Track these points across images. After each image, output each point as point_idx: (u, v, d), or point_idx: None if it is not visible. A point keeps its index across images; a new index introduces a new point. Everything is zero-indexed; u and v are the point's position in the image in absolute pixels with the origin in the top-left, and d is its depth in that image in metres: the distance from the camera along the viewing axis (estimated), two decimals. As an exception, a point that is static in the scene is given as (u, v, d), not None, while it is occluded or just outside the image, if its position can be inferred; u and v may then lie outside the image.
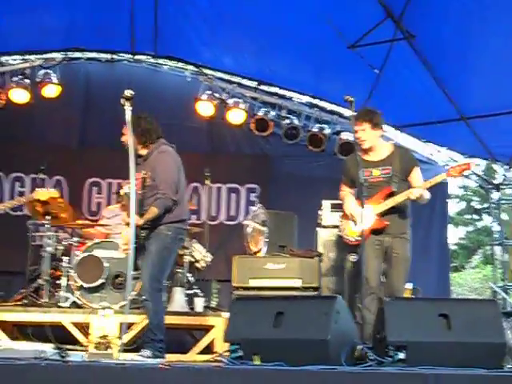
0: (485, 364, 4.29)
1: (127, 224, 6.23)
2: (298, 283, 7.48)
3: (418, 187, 6.12)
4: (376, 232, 6.15)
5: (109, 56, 10.44)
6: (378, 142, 6.32)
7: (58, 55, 10.11)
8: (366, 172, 6.10)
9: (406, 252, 6.21)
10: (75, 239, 8.09)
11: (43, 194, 7.02)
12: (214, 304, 8.46)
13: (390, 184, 6.19)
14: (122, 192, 6.27)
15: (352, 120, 6.10)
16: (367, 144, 6.23)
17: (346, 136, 10.12)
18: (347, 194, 6.45)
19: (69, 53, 10.15)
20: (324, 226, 8.00)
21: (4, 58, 9.97)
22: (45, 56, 10.09)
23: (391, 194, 6.17)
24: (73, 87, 10.18)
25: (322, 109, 10.51)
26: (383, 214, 6.18)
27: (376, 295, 5.97)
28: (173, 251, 6.27)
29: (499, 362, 4.57)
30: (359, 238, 6.05)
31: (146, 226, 6.06)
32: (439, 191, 9.84)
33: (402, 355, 4.56)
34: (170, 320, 6.96)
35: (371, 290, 5.98)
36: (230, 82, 10.39)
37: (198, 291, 8.32)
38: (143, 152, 6.25)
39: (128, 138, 5.60)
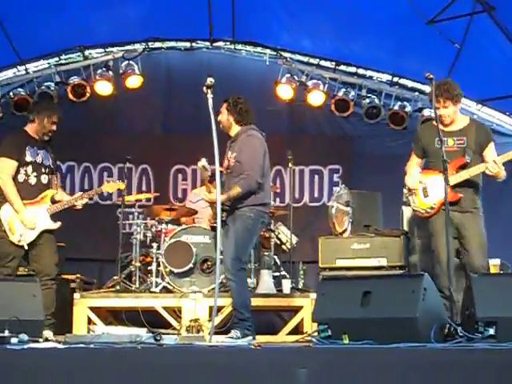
0: None
1: (209, 201, 6.40)
2: (382, 262, 7.47)
3: (494, 160, 5.88)
4: (450, 205, 5.80)
5: (188, 44, 10.58)
6: (456, 114, 6.19)
7: (138, 46, 10.30)
8: (439, 141, 5.89)
9: (479, 227, 6.02)
10: (163, 226, 8.24)
11: (110, 186, 7.20)
12: (301, 285, 8.52)
13: (463, 155, 6.01)
14: (199, 165, 6.40)
15: (432, 96, 6.01)
16: (449, 119, 6.11)
17: (428, 113, 10.01)
18: (412, 164, 6.32)
19: (149, 43, 10.32)
20: (409, 204, 7.93)
21: (88, 52, 10.24)
22: (126, 48, 10.32)
23: (464, 166, 5.98)
24: (154, 77, 10.37)
25: (403, 86, 10.41)
26: (456, 186, 5.95)
27: (451, 271, 5.59)
28: (254, 233, 6.36)
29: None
30: (430, 211, 5.97)
31: (227, 208, 6.17)
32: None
33: (491, 331, 4.53)
34: (258, 302, 7.08)
35: (443, 266, 5.80)
36: (309, 64, 10.39)
37: (284, 273, 8.40)
38: (233, 133, 6.39)
39: (212, 122, 5.70)
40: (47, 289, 6.38)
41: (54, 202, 6.72)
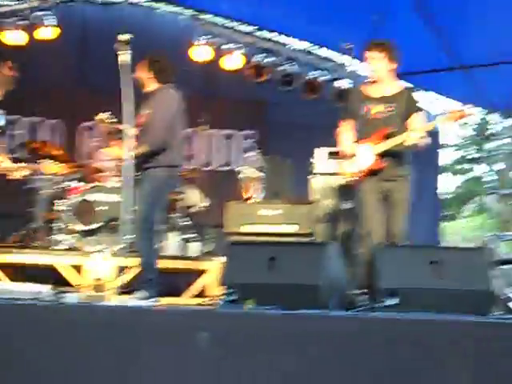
0: (473, 311, 4.39)
1: (116, 158, 6.34)
2: (291, 229, 7.49)
3: (417, 130, 5.84)
4: (374, 173, 5.92)
5: (106, -1, 10.37)
6: (389, 77, 6.04)
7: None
8: (368, 107, 5.94)
9: (406, 194, 5.99)
10: (71, 183, 8.09)
11: (49, 168, 7.06)
12: (208, 249, 8.52)
13: (390, 123, 5.92)
14: (97, 118, 6.32)
15: (368, 46, 5.90)
16: (379, 74, 5.97)
17: (343, 83, 10.09)
18: (344, 130, 6.15)
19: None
20: (316, 174, 7.96)
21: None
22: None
23: (390, 135, 5.89)
24: (70, 30, 10.08)
25: (319, 56, 10.46)
26: (383, 155, 5.91)
27: (373, 240, 5.73)
28: (163, 192, 6.32)
29: (486, 310, 4.64)
30: (354, 178, 5.98)
31: (138, 167, 6.10)
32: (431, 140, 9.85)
33: (394, 301, 4.62)
34: (164, 264, 7.03)
35: (368, 235, 5.80)
36: (227, 28, 10.33)
37: (193, 236, 8.37)
38: (150, 90, 6.29)
39: (124, 78, 5.60)
40: None
41: None
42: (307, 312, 4.09)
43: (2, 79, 6.52)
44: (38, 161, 8.11)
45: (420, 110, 6.13)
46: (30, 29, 9.71)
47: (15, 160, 7.11)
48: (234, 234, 7.62)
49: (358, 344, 3.74)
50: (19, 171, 6.68)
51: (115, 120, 6.27)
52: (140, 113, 6.26)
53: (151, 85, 6.32)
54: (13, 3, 9.90)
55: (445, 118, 6.09)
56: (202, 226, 8.69)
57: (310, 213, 7.55)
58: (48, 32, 9.75)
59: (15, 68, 6.58)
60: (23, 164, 6.87)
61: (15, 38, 9.66)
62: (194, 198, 8.55)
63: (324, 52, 10.44)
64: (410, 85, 8.74)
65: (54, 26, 9.71)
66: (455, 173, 26.98)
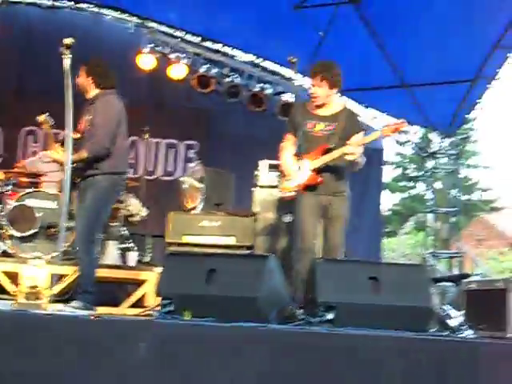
0: (411, 327, 4.42)
1: (56, 161, 6.25)
2: (231, 241, 7.49)
3: (353, 143, 5.90)
4: (311, 189, 6.00)
5: (50, 2, 10.21)
6: (331, 98, 6.14)
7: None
8: (309, 124, 6.01)
9: (344, 210, 6.07)
10: (7, 188, 7.93)
11: None
12: (147, 259, 8.45)
13: (329, 141, 6.01)
14: (40, 118, 6.23)
15: (310, 72, 5.97)
16: (320, 101, 6.07)
17: (288, 97, 10.14)
18: (287, 145, 6.23)
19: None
20: (260, 186, 7.99)
21: None
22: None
23: (328, 151, 5.98)
24: (12, 32, 9.94)
25: (265, 68, 10.51)
26: (319, 171, 5.99)
27: (311, 255, 5.82)
28: (108, 202, 6.21)
29: (425, 326, 4.68)
30: (291, 194, 6.02)
31: (79, 173, 6.00)
32: (375, 157, 9.96)
33: (330, 316, 4.61)
34: (102, 273, 6.92)
35: (306, 250, 5.88)
36: (174, 37, 10.29)
37: (131, 245, 8.29)
38: (91, 96, 6.19)
39: (67, 84, 5.53)
40: None
41: None
42: (244, 324, 4.07)
43: None
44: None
45: (362, 129, 6.21)
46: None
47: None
48: (174, 245, 7.57)
49: (294, 357, 3.74)
50: None
51: (54, 123, 6.17)
52: (81, 118, 6.18)
53: (92, 90, 6.23)
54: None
55: (382, 132, 6.20)
56: (142, 235, 8.61)
57: (250, 225, 7.55)
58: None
59: None
60: None
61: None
62: (135, 207, 8.47)
63: (270, 65, 10.47)
64: (351, 101, 8.86)
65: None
66: (394, 190, 27.41)
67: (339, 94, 6.38)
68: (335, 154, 5.96)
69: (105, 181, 6.04)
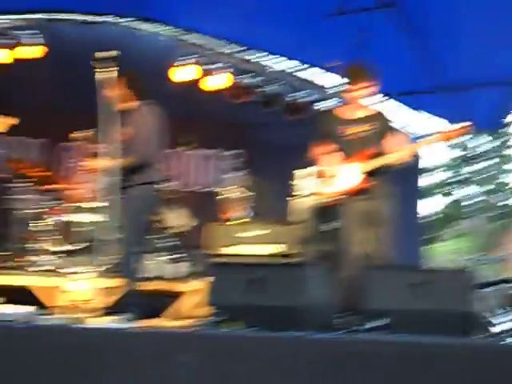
0: (454, 333, 4.43)
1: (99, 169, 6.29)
2: (279, 250, 7.46)
3: (411, 148, 5.96)
4: (361, 193, 5.95)
5: (88, 18, 10.29)
6: (364, 101, 6.15)
7: (38, 16, 9.95)
8: (344, 129, 6.00)
9: (390, 214, 6.05)
10: (50, 203, 8.01)
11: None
12: (196, 269, 8.45)
13: (367, 144, 5.96)
14: (86, 135, 6.28)
15: (347, 75, 5.99)
16: (355, 104, 6.08)
17: (325, 104, 10.10)
18: (324, 150, 6.19)
19: (49, 14, 9.98)
20: (298, 195, 7.95)
21: (-15, 18, 9.84)
22: (26, 16, 9.95)
23: (376, 154, 5.94)
24: (51, 49, 10.02)
25: (299, 77, 10.46)
26: (370, 174, 5.94)
27: (357, 262, 5.73)
28: (146, 213, 6.24)
29: (468, 332, 4.63)
30: (335, 199, 5.99)
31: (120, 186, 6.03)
32: (412, 163, 9.87)
33: (380, 323, 4.61)
34: (145, 286, 6.95)
35: (352, 256, 5.80)
36: (210, 48, 10.28)
37: (180, 256, 8.30)
38: (128, 108, 6.22)
39: (100, 97, 5.56)
40: None
41: None
42: (290, 334, 4.04)
43: None
44: (14, 179, 8.05)
45: (394, 130, 6.26)
46: (13, 47, 9.65)
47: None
48: (215, 255, 7.56)
49: (343, 366, 3.70)
50: None
51: (96, 138, 6.22)
52: (120, 131, 6.20)
53: (129, 103, 6.26)
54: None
55: (435, 138, 6.14)
56: (190, 246, 8.61)
57: (293, 234, 7.51)
58: (31, 50, 9.69)
59: None
60: None
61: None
62: (182, 218, 8.49)
63: (306, 74, 10.43)
64: (398, 103, 8.76)
65: (37, 44, 9.65)
66: (433, 195, 27.14)
67: (375, 97, 6.32)
68: (390, 157, 5.92)
69: (142, 191, 6.09)
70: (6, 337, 3.77)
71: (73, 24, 10.37)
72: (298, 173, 7.96)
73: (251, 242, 7.54)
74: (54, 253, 7.62)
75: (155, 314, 7.83)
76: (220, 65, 10.12)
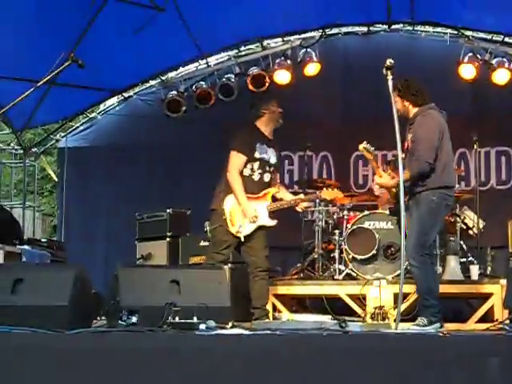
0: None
1: (380, 186, 6.39)
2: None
3: None
4: None
5: (365, 28, 10.46)
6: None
7: (315, 33, 10.26)
8: None
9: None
10: (345, 212, 8.21)
11: (329, 193, 7.15)
12: (489, 271, 8.22)
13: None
14: (360, 147, 6.34)
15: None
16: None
17: None
18: None
19: (326, 30, 10.24)
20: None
21: (266, 42, 10.35)
22: (303, 36, 10.32)
23: None
24: (332, 63, 10.29)
25: None
26: None
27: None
28: (438, 217, 6.18)
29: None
30: None
31: (406, 192, 6.03)
32: None
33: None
34: (445, 289, 6.89)
35: None
36: (493, 42, 9.92)
37: (472, 259, 8.13)
38: (411, 115, 6.27)
39: (393, 105, 5.60)
40: (260, 279, 6.70)
41: (274, 199, 6.85)
42: None
43: (270, 116, 6.80)
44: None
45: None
46: (294, 67, 10.04)
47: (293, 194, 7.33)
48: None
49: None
50: (300, 203, 6.89)
51: (374, 149, 6.28)
52: (406, 139, 6.24)
53: (411, 111, 6.29)
54: (277, 45, 10.34)
55: None
56: (481, 248, 8.39)
57: None
58: (312, 68, 10.01)
59: (280, 105, 6.86)
60: (301, 196, 7.08)
61: (282, 77, 10.04)
62: (471, 219, 8.31)
63: None
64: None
65: (317, 61, 9.95)
66: None
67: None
68: None
69: (432, 196, 6.04)
70: (314, 344, 3.89)
71: (354, 35, 10.58)
72: None
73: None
74: (354, 260, 7.79)
75: (459, 317, 7.75)
76: (505, 58, 9.72)
